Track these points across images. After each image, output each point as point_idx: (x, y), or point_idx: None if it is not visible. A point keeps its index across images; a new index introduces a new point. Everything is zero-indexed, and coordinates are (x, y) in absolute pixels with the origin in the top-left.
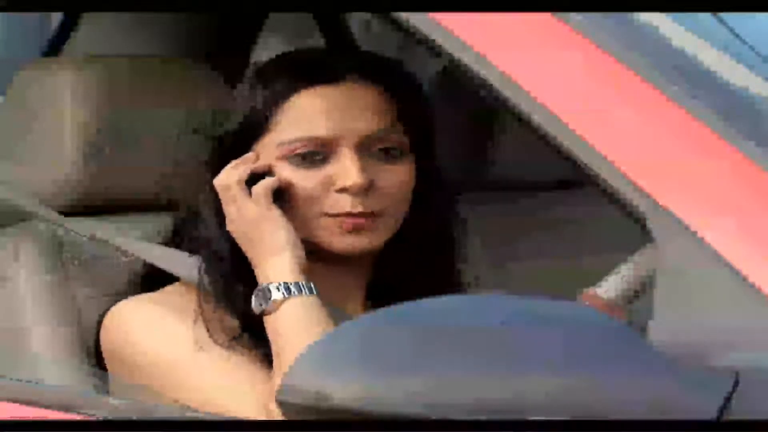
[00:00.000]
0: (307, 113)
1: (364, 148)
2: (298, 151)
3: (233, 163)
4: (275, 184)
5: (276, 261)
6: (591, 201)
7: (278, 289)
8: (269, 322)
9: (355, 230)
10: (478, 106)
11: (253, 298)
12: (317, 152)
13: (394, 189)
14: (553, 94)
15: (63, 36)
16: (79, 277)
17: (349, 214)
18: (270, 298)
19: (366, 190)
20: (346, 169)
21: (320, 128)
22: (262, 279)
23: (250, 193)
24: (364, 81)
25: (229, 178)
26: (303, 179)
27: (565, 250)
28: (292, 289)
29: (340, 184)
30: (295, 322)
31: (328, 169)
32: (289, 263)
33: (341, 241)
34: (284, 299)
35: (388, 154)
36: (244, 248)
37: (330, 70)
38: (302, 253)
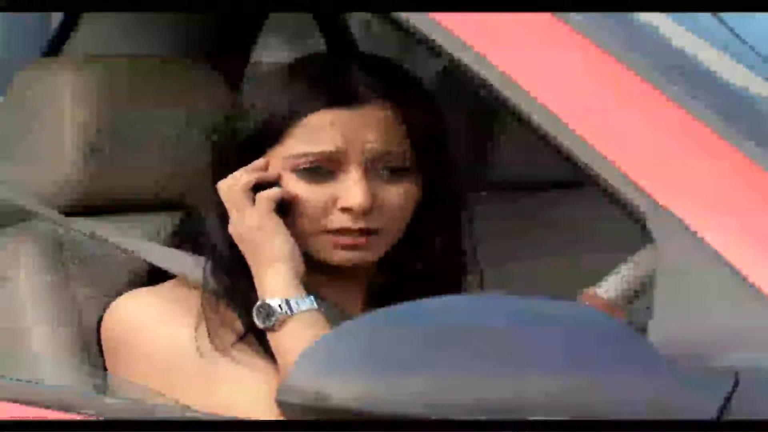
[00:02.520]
0: (319, 130)
1: (371, 165)
2: (305, 166)
3: (243, 169)
4: (279, 195)
5: (274, 272)
6: (591, 201)
7: (280, 306)
8: (273, 338)
9: (352, 248)
10: (478, 106)
11: (255, 314)
12: (324, 167)
13: (395, 208)
14: (553, 94)
15: (63, 36)
16: (79, 276)
17: (347, 230)
18: (273, 316)
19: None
20: (352, 189)
21: (329, 143)
22: (261, 289)
23: (254, 201)
24: (384, 103)
25: (235, 183)
26: (308, 194)
27: (565, 250)
28: (294, 306)
29: (343, 203)
30: (300, 338)
31: (334, 187)
32: (288, 275)
33: (338, 255)
34: (287, 317)
35: (394, 173)
36: (244, 253)
37: (354, 93)
38: (301, 263)
